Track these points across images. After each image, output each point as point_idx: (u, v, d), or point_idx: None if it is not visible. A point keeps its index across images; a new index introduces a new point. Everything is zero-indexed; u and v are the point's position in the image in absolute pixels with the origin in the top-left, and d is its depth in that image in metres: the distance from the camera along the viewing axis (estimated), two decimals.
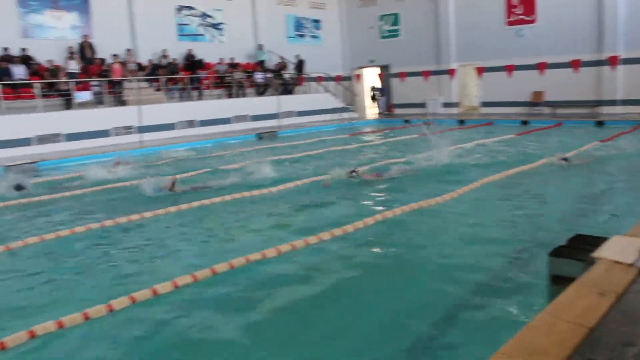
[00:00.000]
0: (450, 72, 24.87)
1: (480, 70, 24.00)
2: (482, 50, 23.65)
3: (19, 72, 17.11)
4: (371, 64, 27.87)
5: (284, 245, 5.86)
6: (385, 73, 27.52)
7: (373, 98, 28.70)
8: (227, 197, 8.62)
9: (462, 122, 21.01)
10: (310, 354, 3.92)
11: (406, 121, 22.30)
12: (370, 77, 29.02)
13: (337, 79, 27.17)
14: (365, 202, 8.69)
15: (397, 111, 26.97)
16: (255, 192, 9.00)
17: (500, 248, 5.84)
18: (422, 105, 25.91)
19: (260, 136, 18.83)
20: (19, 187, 9.88)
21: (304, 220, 7.55)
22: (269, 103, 22.27)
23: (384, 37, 27.37)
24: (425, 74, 25.74)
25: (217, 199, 8.53)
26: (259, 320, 4.41)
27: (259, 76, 23.03)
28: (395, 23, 26.80)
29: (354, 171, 9.48)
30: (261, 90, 23.14)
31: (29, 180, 10.65)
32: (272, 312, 4.54)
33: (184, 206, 8.17)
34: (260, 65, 24.02)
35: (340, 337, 4.10)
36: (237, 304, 4.74)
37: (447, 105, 25.19)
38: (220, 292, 4.96)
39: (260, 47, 24.41)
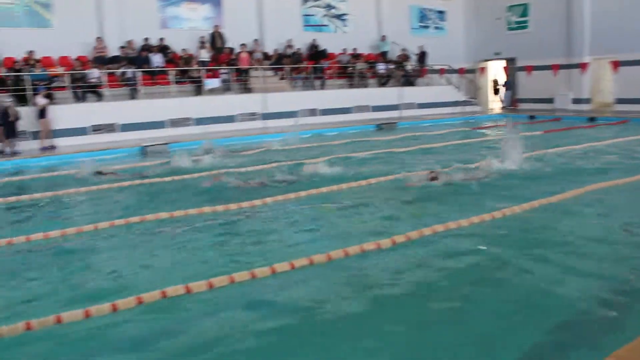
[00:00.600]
0: (582, 66, 23.18)
1: (616, 64, 22.15)
2: (620, 42, 21.79)
3: (157, 60, 18.21)
4: (496, 56, 26.73)
5: (398, 237, 5.80)
6: (511, 66, 26.27)
7: (496, 92, 27.53)
8: (324, 189, 8.48)
9: (592, 119, 19.46)
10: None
11: (531, 117, 21.10)
12: (495, 70, 27.85)
13: (461, 71, 26.34)
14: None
15: (522, 106, 25.66)
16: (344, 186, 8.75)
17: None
18: (549, 100, 24.43)
19: (380, 127, 18.67)
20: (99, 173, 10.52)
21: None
22: (390, 94, 22.05)
23: (511, 29, 26.12)
24: (555, 67, 24.21)
25: (314, 191, 8.42)
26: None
27: (381, 67, 22.87)
28: (524, 14, 25.47)
29: (433, 174, 8.67)
30: (383, 81, 22.97)
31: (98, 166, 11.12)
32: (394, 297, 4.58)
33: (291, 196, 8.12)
34: (383, 56, 23.85)
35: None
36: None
37: (576, 101, 23.55)
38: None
39: (383, 39, 24.23)
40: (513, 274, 4.96)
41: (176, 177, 10.07)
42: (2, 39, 16.85)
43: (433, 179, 8.49)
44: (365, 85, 22.42)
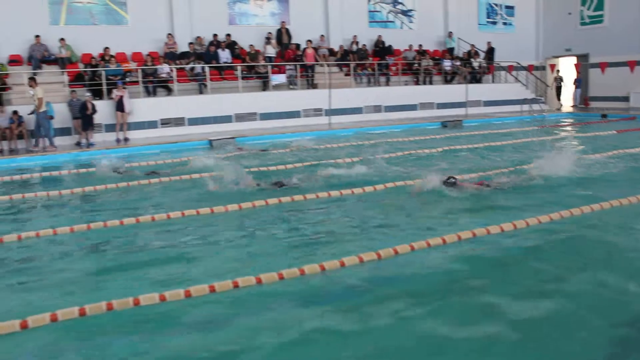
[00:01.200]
0: None
1: None
2: None
3: (225, 56, 18.57)
4: (567, 52, 25.77)
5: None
6: (583, 63, 25.25)
7: (558, 90, 26.45)
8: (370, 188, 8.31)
9: None
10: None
11: (603, 116, 20.20)
12: (566, 67, 26.82)
13: (530, 68, 25.56)
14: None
15: (594, 104, 24.64)
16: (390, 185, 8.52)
17: None
18: (624, 98, 23.35)
19: (445, 124, 18.36)
20: (117, 171, 10.55)
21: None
22: (456, 91, 21.65)
23: (584, 24, 25.12)
24: (632, 64, 23.15)
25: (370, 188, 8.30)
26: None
27: (447, 64, 22.49)
28: (599, 7, 24.44)
29: (450, 179, 7.91)
30: (449, 78, 22.58)
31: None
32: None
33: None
34: (449, 52, 23.45)
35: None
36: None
37: None
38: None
39: (449, 35, 23.82)
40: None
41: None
42: (81, 36, 17.63)
43: (449, 183, 7.76)
44: (431, 82, 22.10)
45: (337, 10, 21.75)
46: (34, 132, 14.81)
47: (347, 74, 20.55)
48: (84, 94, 15.64)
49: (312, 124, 18.36)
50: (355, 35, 21.59)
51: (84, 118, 15.18)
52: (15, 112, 14.87)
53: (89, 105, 15.10)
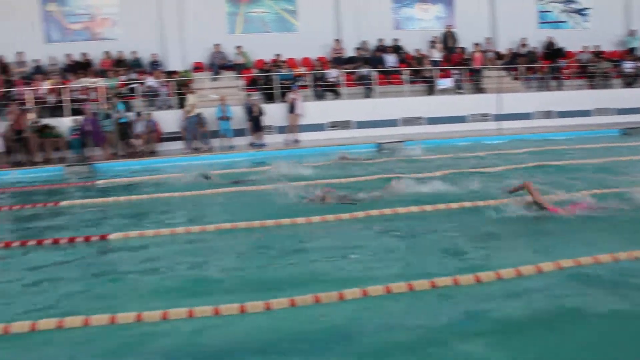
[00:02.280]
0: None
1: None
2: None
3: (391, 60, 18.58)
4: None
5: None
6: None
7: None
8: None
9: None
10: None
11: None
12: None
13: None
14: None
15: None
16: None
17: None
18: None
19: (626, 132, 16.78)
20: (205, 177, 10.61)
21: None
22: (638, 96, 19.76)
23: None
24: None
25: None
26: None
27: (627, 65, 20.62)
28: None
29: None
30: (629, 81, 20.69)
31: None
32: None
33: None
34: (630, 53, 21.51)
35: None
36: None
37: None
38: None
39: (631, 33, 21.85)
40: None
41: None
42: (255, 43, 18.61)
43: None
44: (609, 86, 20.39)
45: (504, 12, 20.89)
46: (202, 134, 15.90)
47: (515, 78, 19.61)
48: (250, 97, 16.40)
49: (478, 129, 17.71)
50: (524, 38, 20.56)
51: (252, 120, 15.96)
52: (198, 114, 15.98)
53: (255, 109, 15.87)
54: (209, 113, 15.99)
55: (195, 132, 15.75)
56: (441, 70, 18.68)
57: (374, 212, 7.18)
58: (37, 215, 8.56)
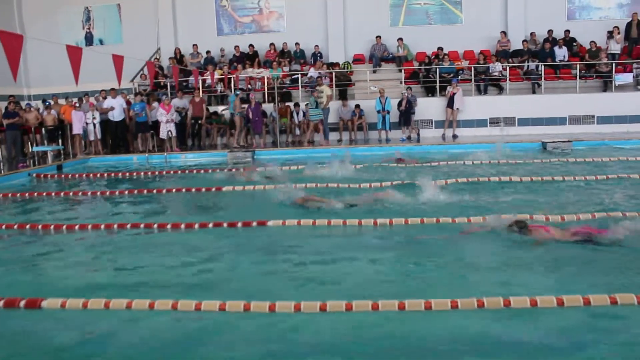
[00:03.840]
0: None
1: None
2: None
3: (561, 53, 17.32)
4: None
5: None
6: None
7: None
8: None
9: None
10: None
11: None
12: None
13: None
14: None
15: None
16: None
17: None
18: None
19: None
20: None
21: None
22: None
23: None
24: None
25: None
26: None
27: None
28: None
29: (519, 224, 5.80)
30: None
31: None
32: None
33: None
34: None
35: None
36: None
37: None
38: None
39: None
40: None
41: None
42: (417, 35, 18.37)
43: (518, 227, 5.75)
44: None
45: None
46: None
47: None
48: (403, 91, 16.14)
49: None
50: None
51: (402, 114, 15.73)
52: (357, 106, 16.14)
53: (404, 102, 15.59)
54: (368, 105, 16.09)
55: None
56: (620, 64, 17.05)
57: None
58: (202, 198, 9.15)
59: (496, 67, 16.95)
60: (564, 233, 5.61)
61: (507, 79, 16.78)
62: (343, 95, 16.96)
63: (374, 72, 18.01)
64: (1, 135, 15.86)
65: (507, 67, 16.88)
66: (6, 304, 4.38)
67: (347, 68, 17.93)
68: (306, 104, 16.05)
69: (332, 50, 18.97)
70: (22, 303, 4.36)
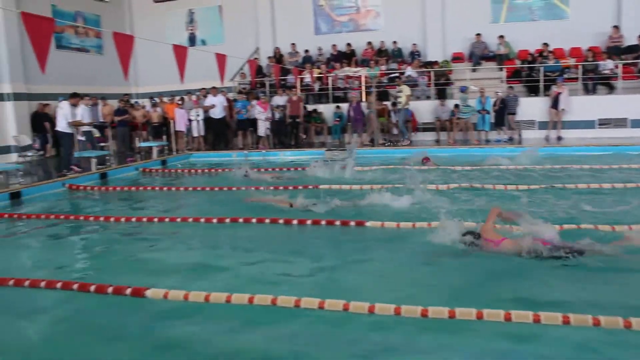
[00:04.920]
0: None
1: None
2: None
3: None
4: None
5: None
6: None
7: None
8: None
9: None
10: None
11: None
12: None
13: None
14: None
15: None
16: None
17: None
18: None
19: None
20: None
21: None
22: None
23: None
24: None
25: None
26: None
27: None
28: None
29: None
30: None
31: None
32: None
33: None
34: None
35: None
36: None
37: None
38: None
39: None
40: None
41: None
42: (519, 32, 17.69)
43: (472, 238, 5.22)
44: None
45: None
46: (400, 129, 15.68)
47: None
48: (497, 92, 15.59)
49: None
50: None
51: (497, 114, 15.22)
52: (456, 106, 15.78)
53: (497, 102, 15.05)
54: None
55: (407, 125, 15.65)
56: None
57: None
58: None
59: (607, 65, 15.98)
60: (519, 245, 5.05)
61: (619, 77, 15.78)
62: (441, 95, 16.63)
63: (474, 70, 17.53)
64: (113, 131, 16.87)
65: (620, 65, 15.88)
66: (115, 291, 4.60)
67: (446, 67, 17.55)
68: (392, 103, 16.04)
69: (430, 49, 18.64)
70: (129, 291, 4.55)
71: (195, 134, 16.44)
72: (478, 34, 17.84)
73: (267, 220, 7.04)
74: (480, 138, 15.58)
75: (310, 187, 9.41)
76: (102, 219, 7.71)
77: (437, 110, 16.04)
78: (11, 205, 9.15)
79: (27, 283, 4.92)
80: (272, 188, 9.34)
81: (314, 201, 7.64)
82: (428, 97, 16.94)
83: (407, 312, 3.91)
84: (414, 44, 18.48)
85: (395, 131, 16.08)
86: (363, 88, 17.55)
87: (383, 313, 3.95)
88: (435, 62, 17.73)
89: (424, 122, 16.43)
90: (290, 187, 9.30)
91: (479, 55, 17.64)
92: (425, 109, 16.42)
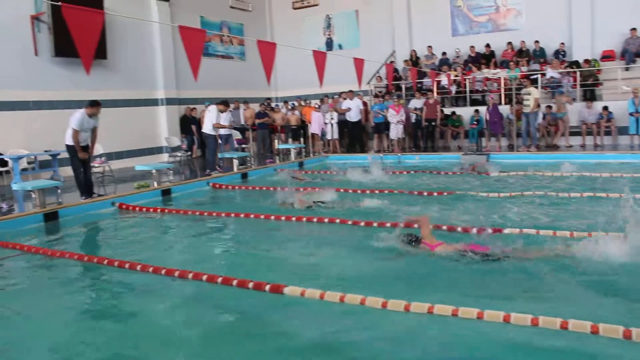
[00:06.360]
0: None
1: None
2: None
3: None
4: None
5: None
6: None
7: None
8: None
9: None
10: None
11: None
12: None
13: None
14: None
15: None
16: None
17: None
18: None
19: None
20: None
21: None
22: None
23: None
24: None
25: None
26: None
27: None
28: None
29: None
30: None
31: None
32: None
33: None
34: None
35: None
36: None
37: None
38: None
39: None
40: None
41: None
42: None
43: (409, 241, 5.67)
44: None
45: None
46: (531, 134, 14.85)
47: None
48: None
49: None
50: None
51: None
52: (605, 108, 14.80)
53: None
54: (619, 107, 14.64)
55: (535, 130, 14.85)
56: None
57: None
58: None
59: None
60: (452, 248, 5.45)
61: None
62: (590, 96, 15.65)
63: (627, 69, 16.28)
64: (253, 133, 17.81)
65: None
66: (255, 286, 4.78)
67: (595, 66, 16.46)
68: None
69: (576, 47, 17.52)
70: (267, 287, 4.70)
71: (329, 137, 16.87)
72: (633, 29, 16.47)
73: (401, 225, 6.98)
74: (634, 143, 14.45)
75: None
76: (242, 215, 8.16)
77: (583, 113, 15.13)
78: (163, 201, 10.04)
79: (176, 273, 5.31)
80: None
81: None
82: (574, 100, 16.00)
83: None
84: (562, 43, 17.51)
85: (537, 135, 15.40)
86: (502, 90, 16.99)
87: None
88: (586, 61, 16.54)
89: (571, 125, 15.52)
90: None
91: (633, 53, 16.34)
92: (571, 112, 15.51)
